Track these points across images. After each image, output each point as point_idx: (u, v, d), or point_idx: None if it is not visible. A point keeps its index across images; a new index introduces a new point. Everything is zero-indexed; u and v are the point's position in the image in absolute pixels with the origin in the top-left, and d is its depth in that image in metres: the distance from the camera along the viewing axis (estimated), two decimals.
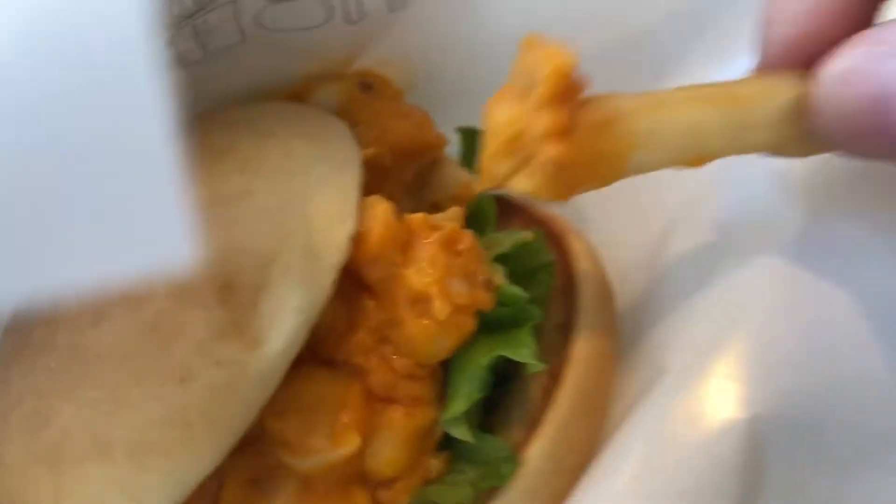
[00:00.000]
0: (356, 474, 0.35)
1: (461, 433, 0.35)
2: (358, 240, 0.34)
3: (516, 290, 0.36)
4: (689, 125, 0.31)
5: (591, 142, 0.30)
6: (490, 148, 0.32)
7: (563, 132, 0.30)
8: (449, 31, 0.44)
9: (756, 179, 0.41)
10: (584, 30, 0.45)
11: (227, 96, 0.42)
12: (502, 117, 0.31)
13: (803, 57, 0.33)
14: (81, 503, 0.31)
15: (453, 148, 0.48)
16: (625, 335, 0.42)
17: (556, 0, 0.44)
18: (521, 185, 0.31)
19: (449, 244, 0.35)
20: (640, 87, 0.46)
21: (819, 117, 0.31)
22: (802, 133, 0.32)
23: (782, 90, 0.32)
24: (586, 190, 0.33)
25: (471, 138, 0.48)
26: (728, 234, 0.41)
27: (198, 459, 0.31)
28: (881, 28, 0.30)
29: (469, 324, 0.35)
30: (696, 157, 0.32)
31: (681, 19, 0.45)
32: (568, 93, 0.30)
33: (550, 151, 0.29)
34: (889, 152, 0.31)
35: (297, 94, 0.44)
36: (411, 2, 0.41)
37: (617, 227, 0.46)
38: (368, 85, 0.44)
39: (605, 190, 0.47)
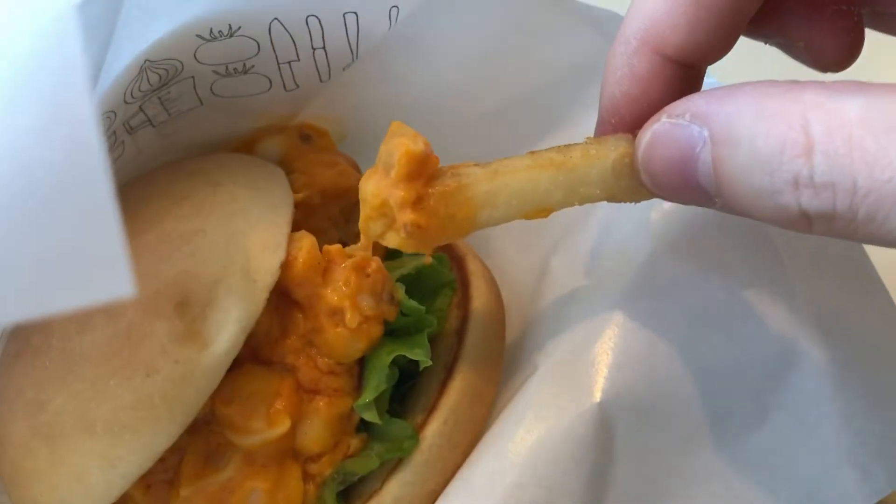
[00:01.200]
0: (289, 450, 0.43)
1: (371, 416, 0.43)
2: (287, 266, 0.42)
3: (415, 304, 0.44)
4: (524, 188, 0.36)
5: (443, 206, 0.36)
6: (364, 213, 0.38)
7: (416, 202, 0.36)
8: (371, 93, 0.52)
9: (621, 215, 0.50)
10: (485, 92, 0.54)
11: (190, 147, 0.51)
12: (371, 189, 0.38)
13: (630, 118, 0.38)
14: (71, 469, 0.39)
15: None
16: (511, 338, 0.50)
17: (461, 68, 0.51)
18: (391, 242, 0.37)
19: (359, 268, 0.43)
20: (534, 138, 0.55)
21: (640, 174, 0.37)
22: (631, 185, 0.38)
23: (611, 151, 0.37)
24: (446, 241, 0.38)
25: None
26: (592, 259, 0.49)
27: (161, 434, 0.39)
28: (685, 99, 0.35)
29: (377, 330, 0.43)
30: (538, 211, 0.38)
31: (564, 83, 0.52)
32: (419, 170, 0.36)
33: (405, 218, 0.36)
34: (695, 200, 0.35)
35: (246, 143, 0.52)
36: (337, 75, 0.50)
37: (511, 250, 0.54)
38: (307, 136, 0.52)
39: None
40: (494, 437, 0.45)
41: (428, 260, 0.47)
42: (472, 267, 0.50)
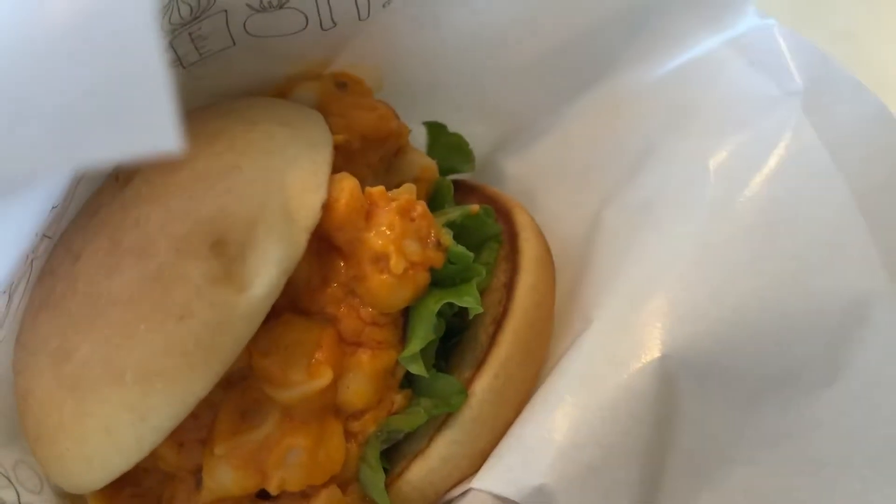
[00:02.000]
0: (330, 406, 0.40)
1: (417, 369, 0.40)
2: (328, 208, 0.39)
3: (463, 250, 0.41)
4: None
5: None
6: None
7: None
8: (410, 38, 0.50)
9: (678, 162, 0.47)
10: (528, 37, 0.51)
11: (222, 93, 0.48)
12: None
13: None
14: (99, 422, 0.36)
15: (421, 139, 0.55)
16: (561, 294, 0.47)
17: (502, 12, 0.49)
18: None
19: (404, 211, 0.40)
20: (581, 85, 0.52)
21: None
22: None
23: None
24: None
25: (435, 130, 0.54)
26: (648, 209, 0.46)
27: (195, 383, 0.36)
28: None
29: (423, 278, 0.41)
30: None
31: (615, 24, 0.50)
32: None
33: None
34: None
35: (281, 91, 0.49)
36: (376, 13, 0.47)
37: (557, 205, 0.51)
38: (343, 83, 0.50)
39: (550, 172, 0.53)
40: (547, 393, 0.42)
41: (475, 209, 0.45)
42: (520, 219, 0.47)
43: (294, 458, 0.39)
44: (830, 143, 0.43)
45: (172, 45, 0.43)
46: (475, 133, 0.55)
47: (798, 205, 0.43)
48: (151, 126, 0.24)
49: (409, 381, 0.43)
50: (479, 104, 0.54)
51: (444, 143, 0.53)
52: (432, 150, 0.54)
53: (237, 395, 0.40)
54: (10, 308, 0.42)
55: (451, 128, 0.54)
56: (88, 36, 0.24)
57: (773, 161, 0.43)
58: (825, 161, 0.43)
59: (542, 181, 0.53)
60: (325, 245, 0.41)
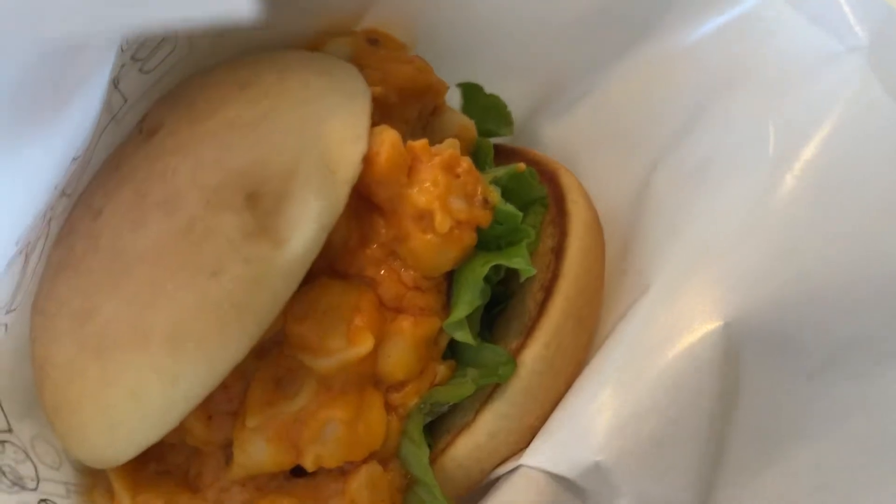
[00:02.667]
0: (370, 376, 0.38)
1: (463, 336, 0.38)
2: (368, 161, 0.37)
3: (511, 209, 0.39)
4: None
5: None
6: None
7: None
8: None
9: (734, 121, 0.44)
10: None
11: (248, 49, 0.46)
12: None
13: None
14: (125, 387, 0.34)
15: (455, 100, 0.52)
16: (611, 260, 0.45)
17: None
18: None
19: (449, 167, 0.38)
20: (626, 43, 0.49)
21: None
22: None
23: None
24: None
25: (470, 92, 0.51)
26: (704, 170, 0.43)
27: (229, 346, 0.33)
28: None
29: (469, 238, 0.38)
30: None
31: None
32: None
33: None
34: None
35: (311, 46, 0.46)
36: None
37: (601, 170, 0.49)
38: (375, 40, 0.47)
39: (593, 135, 0.50)
40: (601, 364, 0.39)
41: (521, 167, 0.42)
42: (566, 181, 0.44)
43: (331, 431, 0.37)
44: None
45: None
46: (512, 95, 0.52)
47: (864, 162, 0.40)
48: None
49: (452, 351, 0.40)
50: (516, 64, 0.51)
51: (481, 105, 0.51)
52: (468, 112, 0.51)
53: (271, 363, 0.37)
54: (26, 270, 0.39)
55: (487, 90, 0.51)
56: None
57: (837, 117, 0.41)
58: (893, 117, 0.40)
59: (585, 145, 0.50)
60: (363, 202, 0.38)
